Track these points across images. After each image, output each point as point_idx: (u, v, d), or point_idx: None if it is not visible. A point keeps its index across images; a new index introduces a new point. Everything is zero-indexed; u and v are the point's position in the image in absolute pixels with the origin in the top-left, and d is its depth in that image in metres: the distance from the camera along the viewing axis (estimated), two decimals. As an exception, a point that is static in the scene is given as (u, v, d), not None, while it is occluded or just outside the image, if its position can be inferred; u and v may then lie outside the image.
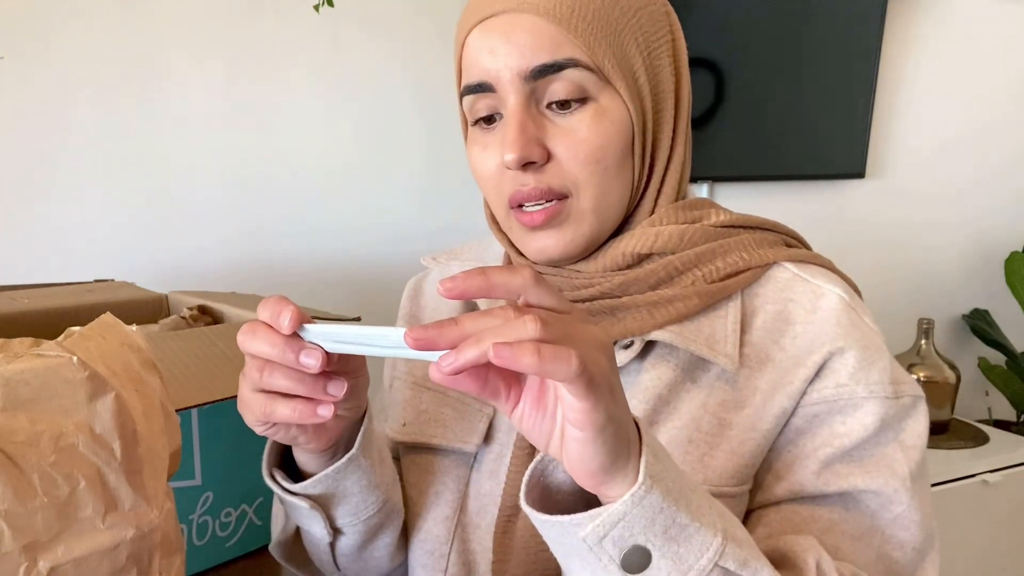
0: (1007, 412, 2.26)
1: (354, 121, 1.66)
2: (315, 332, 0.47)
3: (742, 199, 2.00)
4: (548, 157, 0.59)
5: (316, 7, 1.50)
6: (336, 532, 0.63)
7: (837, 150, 2.02)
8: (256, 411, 0.49)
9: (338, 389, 0.49)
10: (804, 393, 0.59)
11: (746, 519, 0.60)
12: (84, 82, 1.45)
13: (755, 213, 0.68)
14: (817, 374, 0.58)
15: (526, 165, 0.58)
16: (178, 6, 1.49)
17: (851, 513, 0.58)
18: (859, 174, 2.05)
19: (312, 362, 0.46)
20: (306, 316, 0.47)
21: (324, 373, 0.48)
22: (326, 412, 0.49)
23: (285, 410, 0.49)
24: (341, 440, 0.58)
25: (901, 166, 2.16)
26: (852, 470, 0.57)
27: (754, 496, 0.60)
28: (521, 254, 0.66)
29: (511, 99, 0.58)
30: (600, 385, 0.39)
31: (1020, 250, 2.20)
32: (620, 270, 0.62)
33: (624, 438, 0.42)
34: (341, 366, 0.50)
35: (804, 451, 0.59)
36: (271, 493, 0.61)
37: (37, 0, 1.39)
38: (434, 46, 1.68)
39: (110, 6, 1.44)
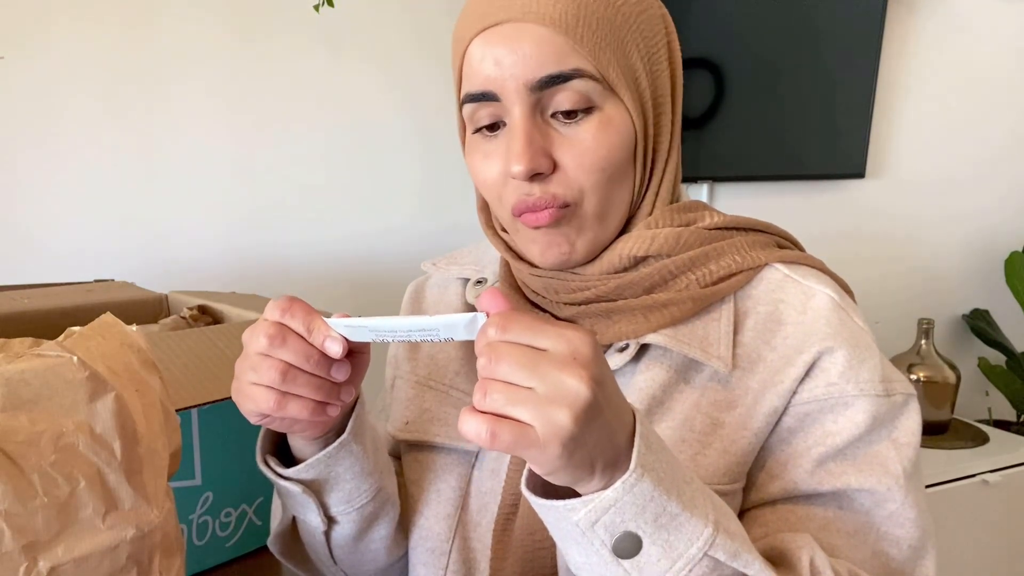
0: (1007, 412, 2.26)
1: (353, 122, 1.66)
2: (339, 325, 0.49)
3: (742, 199, 2.00)
4: (554, 167, 0.58)
5: (316, 7, 1.50)
6: (331, 521, 0.63)
7: (837, 150, 2.02)
8: (262, 405, 0.51)
9: (348, 395, 0.53)
10: (795, 392, 0.59)
11: (743, 519, 0.61)
12: (85, 83, 1.45)
13: (755, 213, 0.68)
14: (807, 373, 0.59)
15: (533, 176, 0.58)
16: (178, 7, 1.49)
17: (845, 511, 0.58)
18: (859, 174, 2.05)
19: (337, 348, 0.49)
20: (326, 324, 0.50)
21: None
22: (334, 412, 0.53)
23: (296, 407, 0.51)
24: (336, 427, 0.59)
25: (901, 166, 2.16)
26: (845, 468, 0.58)
27: (749, 495, 0.61)
28: (519, 258, 0.66)
29: (516, 110, 0.57)
30: (546, 446, 0.40)
31: (1020, 250, 2.20)
32: (616, 273, 0.63)
33: (588, 460, 0.42)
34: (351, 342, 0.51)
35: (797, 450, 0.59)
36: (271, 493, 0.61)
37: (37, 1, 1.39)
38: (432, 50, 1.68)
39: (110, 7, 1.44)
